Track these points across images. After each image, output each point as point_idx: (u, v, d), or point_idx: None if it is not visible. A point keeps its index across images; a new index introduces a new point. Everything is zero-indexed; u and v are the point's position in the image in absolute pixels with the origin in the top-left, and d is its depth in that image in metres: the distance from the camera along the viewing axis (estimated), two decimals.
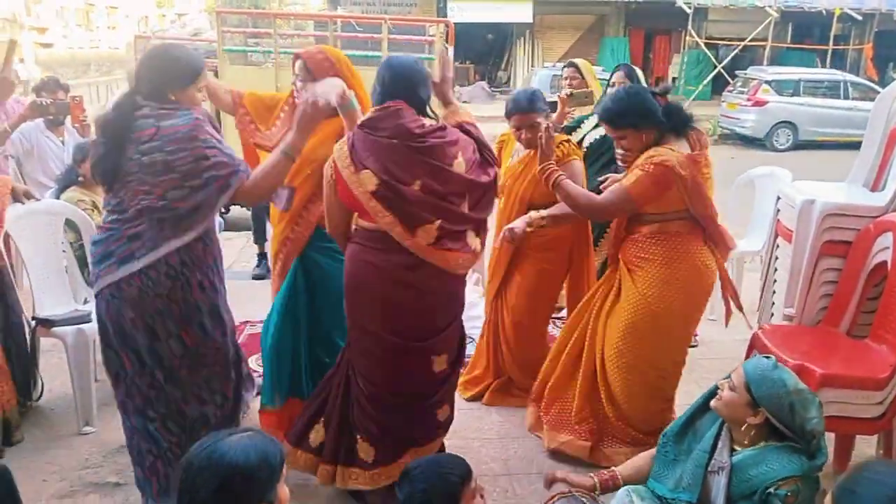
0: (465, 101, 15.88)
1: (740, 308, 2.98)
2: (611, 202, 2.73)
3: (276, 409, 2.90)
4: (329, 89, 2.41)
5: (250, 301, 4.06)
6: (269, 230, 3.71)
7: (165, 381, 2.36)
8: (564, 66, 4.01)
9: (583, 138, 3.69)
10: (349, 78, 2.68)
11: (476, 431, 3.20)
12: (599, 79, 4.11)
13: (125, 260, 2.25)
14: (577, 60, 4.01)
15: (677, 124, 2.74)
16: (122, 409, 2.44)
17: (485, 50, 22.32)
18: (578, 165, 3.14)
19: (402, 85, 2.36)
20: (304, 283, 2.87)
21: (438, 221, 2.30)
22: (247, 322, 4.18)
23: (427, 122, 2.38)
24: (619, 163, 2.85)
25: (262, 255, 5.30)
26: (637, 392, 2.86)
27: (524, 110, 3.09)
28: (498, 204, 3.13)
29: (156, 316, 2.29)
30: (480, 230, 2.46)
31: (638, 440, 2.87)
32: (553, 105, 3.97)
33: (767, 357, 2.09)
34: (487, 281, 3.59)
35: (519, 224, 3.00)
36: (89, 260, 2.44)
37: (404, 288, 2.38)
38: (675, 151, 2.66)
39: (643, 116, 2.69)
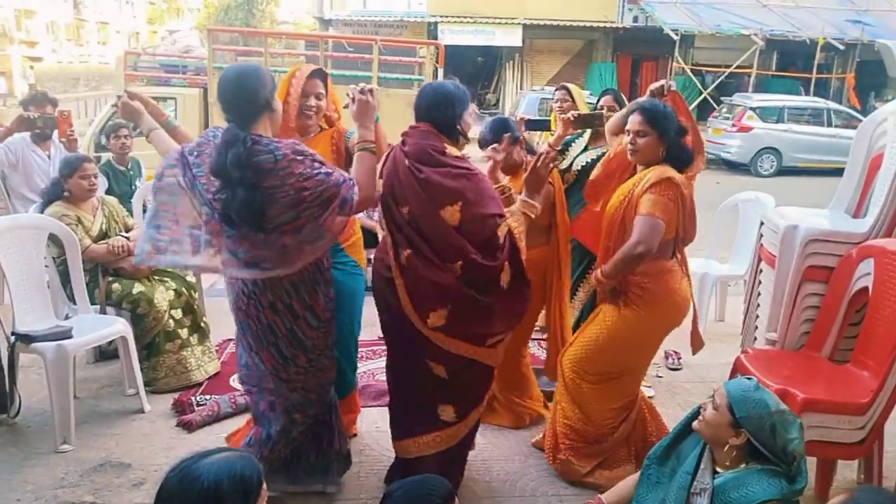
0: None
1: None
2: (645, 235, 2.60)
3: None
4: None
5: None
6: None
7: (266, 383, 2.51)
8: (556, 89, 4.00)
9: (572, 163, 3.68)
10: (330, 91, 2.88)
11: None
12: (588, 103, 4.14)
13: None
14: (569, 84, 4.03)
15: (678, 159, 2.77)
16: None
17: (475, 72, 22.51)
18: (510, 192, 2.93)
19: (424, 108, 2.51)
20: None
21: (409, 251, 2.43)
22: (228, 340, 4.14)
23: (450, 149, 2.47)
24: (629, 152, 2.80)
25: None
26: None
27: (488, 144, 3.11)
28: None
29: (245, 325, 2.42)
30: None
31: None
32: (536, 124, 3.95)
33: (749, 378, 2.10)
34: None
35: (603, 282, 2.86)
36: None
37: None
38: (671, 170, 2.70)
39: (674, 131, 2.73)
